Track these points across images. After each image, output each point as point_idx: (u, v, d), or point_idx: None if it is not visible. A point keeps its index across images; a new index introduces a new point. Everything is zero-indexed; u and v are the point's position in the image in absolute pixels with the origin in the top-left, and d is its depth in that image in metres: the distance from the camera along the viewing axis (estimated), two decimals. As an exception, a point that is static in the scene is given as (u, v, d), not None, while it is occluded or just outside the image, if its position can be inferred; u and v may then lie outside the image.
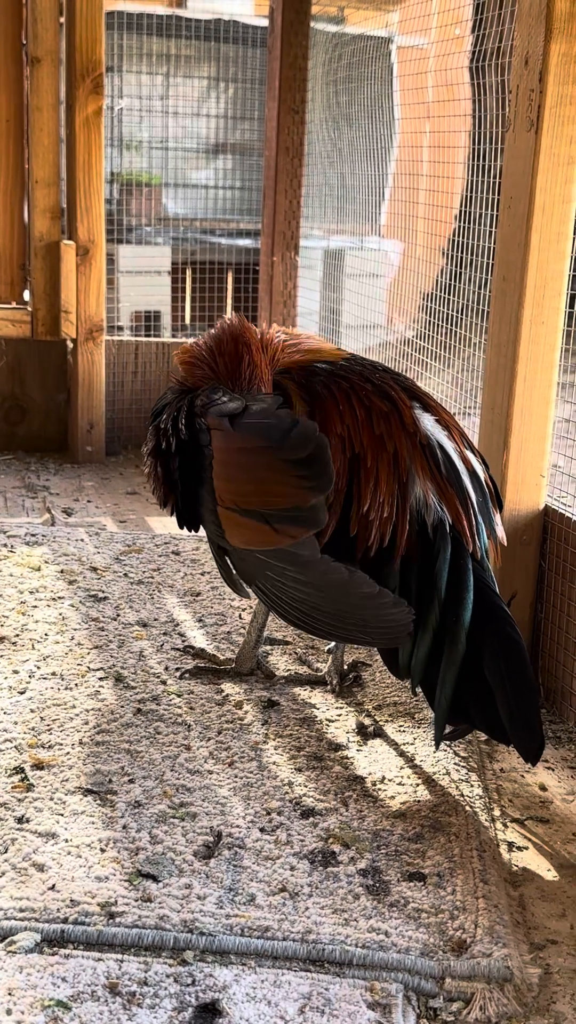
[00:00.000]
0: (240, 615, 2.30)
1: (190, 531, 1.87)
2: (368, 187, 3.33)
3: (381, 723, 1.88)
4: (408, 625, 1.61)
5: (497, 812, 1.66)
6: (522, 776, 1.77)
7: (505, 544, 1.86)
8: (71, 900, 1.37)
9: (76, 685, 1.94)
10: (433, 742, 1.81)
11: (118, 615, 2.26)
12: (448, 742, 1.79)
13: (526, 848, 1.58)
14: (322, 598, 1.66)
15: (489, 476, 1.77)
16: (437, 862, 1.50)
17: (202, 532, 1.87)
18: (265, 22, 4.10)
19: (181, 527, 1.86)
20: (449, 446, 1.70)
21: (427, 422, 1.72)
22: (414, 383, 1.82)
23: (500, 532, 1.75)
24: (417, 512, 1.66)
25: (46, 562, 2.51)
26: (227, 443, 1.69)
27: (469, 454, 1.74)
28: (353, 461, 1.69)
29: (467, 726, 1.66)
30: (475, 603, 1.60)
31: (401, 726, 1.88)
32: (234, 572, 1.85)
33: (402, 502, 1.66)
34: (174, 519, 1.87)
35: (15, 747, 1.72)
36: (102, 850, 1.47)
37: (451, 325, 2.75)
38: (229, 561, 1.84)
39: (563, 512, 1.96)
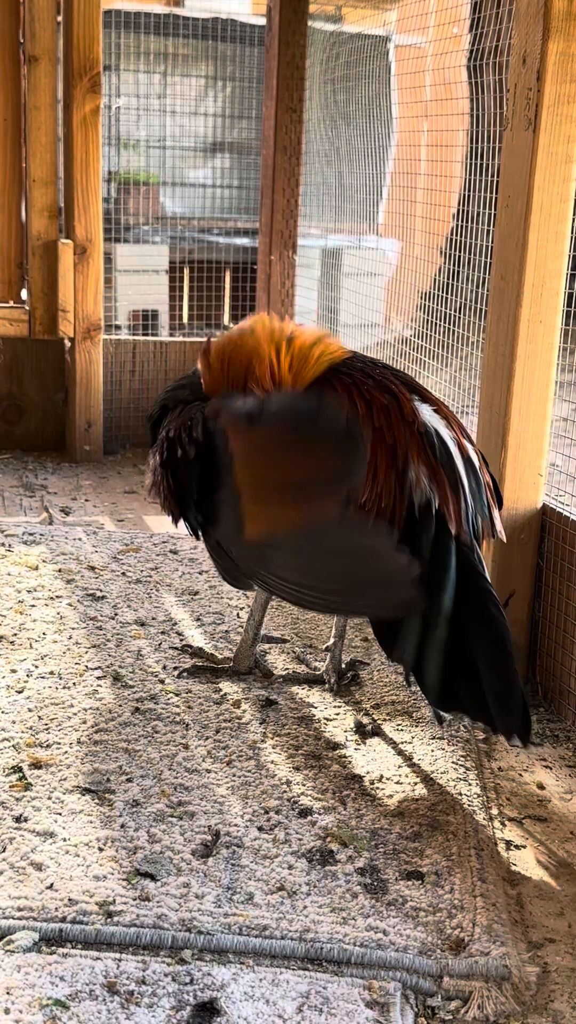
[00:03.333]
0: (238, 614, 2.30)
1: (201, 539, 1.86)
2: (366, 186, 3.33)
3: (379, 722, 1.89)
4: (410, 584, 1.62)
5: (495, 811, 1.66)
6: (520, 775, 1.77)
7: (504, 540, 1.86)
8: (69, 899, 1.37)
9: (74, 684, 1.94)
10: (432, 739, 1.82)
11: (116, 614, 2.26)
12: (451, 720, 1.79)
13: (524, 847, 1.58)
14: (339, 565, 1.68)
15: (488, 472, 1.77)
16: (435, 861, 1.50)
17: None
18: (263, 21, 4.10)
19: (195, 536, 1.86)
20: (446, 433, 1.71)
21: (425, 411, 1.72)
22: (413, 379, 1.82)
23: (499, 526, 1.75)
24: (407, 494, 1.66)
25: (44, 561, 2.51)
26: (251, 437, 1.70)
27: (466, 442, 1.74)
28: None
29: (460, 712, 1.66)
30: (459, 584, 1.60)
31: (399, 725, 1.88)
32: (239, 568, 1.85)
33: (399, 492, 1.67)
34: (179, 525, 1.87)
35: (13, 746, 1.72)
36: (100, 849, 1.47)
37: (449, 324, 2.75)
38: (233, 559, 1.84)
39: (561, 511, 1.96)
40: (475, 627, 1.58)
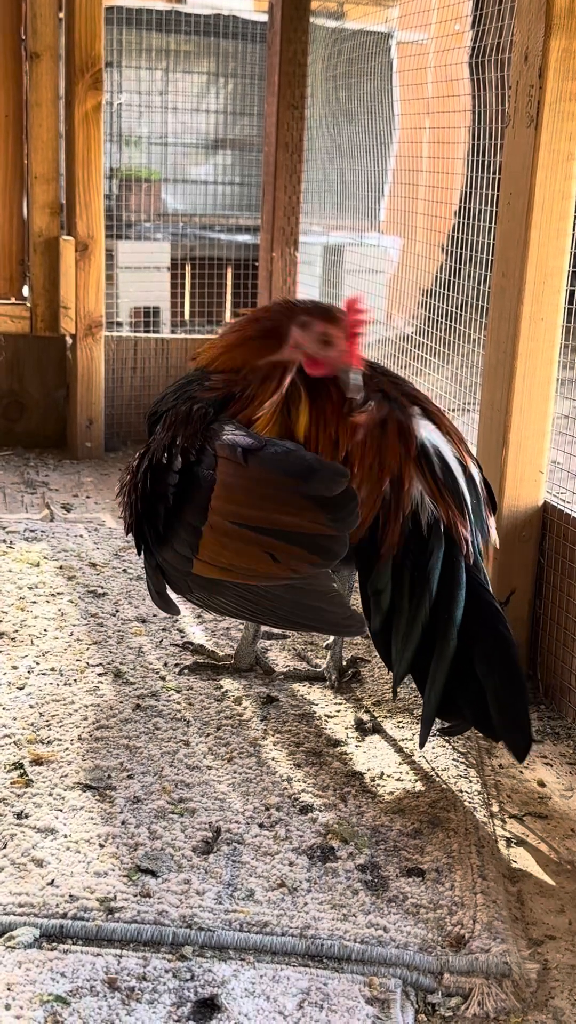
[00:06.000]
0: (239, 611, 2.30)
1: (140, 549, 1.83)
2: (368, 183, 3.33)
3: (380, 719, 1.89)
4: (350, 628, 1.69)
5: (496, 808, 1.66)
6: (520, 772, 1.78)
7: (498, 547, 1.86)
8: (70, 895, 1.37)
9: (75, 681, 1.94)
10: (432, 736, 1.81)
11: (117, 611, 2.26)
12: (447, 737, 1.80)
13: (524, 844, 1.59)
14: (281, 604, 1.69)
15: (484, 479, 1.77)
16: (436, 858, 1.51)
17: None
18: (265, 17, 4.09)
19: (139, 543, 1.83)
20: (446, 449, 1.70)
21: (425, 428, 1.72)
22: (414, 387, 1.81)
23: (493, 535, 1.76)
24: (412, 512, 1.66)
25: (45, 558, 2.51)
26: (240, 472, 1.66)
27: (467, 457, 1.74)
28: (343, 462, 1.69)
29: (461, 722, 1.67)
30: (468, 601, 1.60)
31: (400, 722, 1.88)
32: (167, 589, 1.84)
33: (395, 502, 1.66)
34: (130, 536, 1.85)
35: (14, 743, 1.72)
36: (101, 846, 1.48)
37: (450, 321, 2.75)
38: (164, 578, 1.81)
39: (562, 508, 1.96)
40: (484, 646, 1.58)
